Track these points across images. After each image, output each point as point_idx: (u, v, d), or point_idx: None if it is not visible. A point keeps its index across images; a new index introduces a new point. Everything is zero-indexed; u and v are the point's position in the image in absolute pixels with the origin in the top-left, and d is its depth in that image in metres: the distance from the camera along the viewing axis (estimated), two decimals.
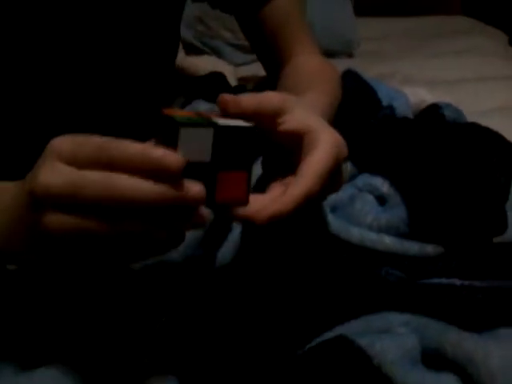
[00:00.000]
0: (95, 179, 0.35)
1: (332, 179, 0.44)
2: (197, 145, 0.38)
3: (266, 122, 0.44)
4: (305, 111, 0.46)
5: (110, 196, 0.35)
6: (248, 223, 0.41)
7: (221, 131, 0.39)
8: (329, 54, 1.48)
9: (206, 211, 0.37)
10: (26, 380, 0.45)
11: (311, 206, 0.43)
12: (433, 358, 0.42)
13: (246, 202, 0.41)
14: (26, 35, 0.60)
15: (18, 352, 0.49)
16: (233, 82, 1.07)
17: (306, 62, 0.74)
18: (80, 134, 0.38)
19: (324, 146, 0.43)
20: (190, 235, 0.54)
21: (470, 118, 0.76)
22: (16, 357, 0.48)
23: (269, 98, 0.44)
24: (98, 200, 0.35)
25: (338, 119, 0.73)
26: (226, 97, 0.42)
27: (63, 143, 0.38)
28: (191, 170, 0.37)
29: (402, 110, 0.74)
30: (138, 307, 0.51)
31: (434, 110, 0.73)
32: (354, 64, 1.11)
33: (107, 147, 0.36)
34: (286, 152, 0.46)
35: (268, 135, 0.46)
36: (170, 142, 0.38)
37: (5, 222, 0.41)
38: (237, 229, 0.55)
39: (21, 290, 0.53)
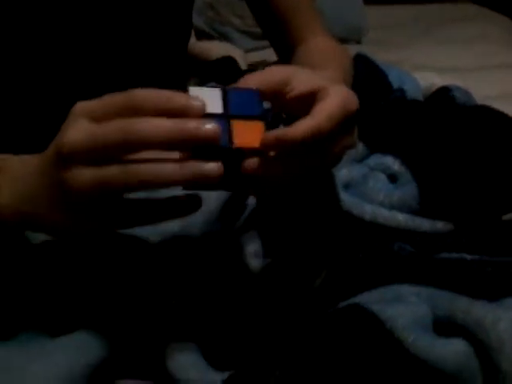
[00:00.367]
0: (115, 126, 0.37)
1: (344, 130, 0.44)
2: (207, 101, 0.40)
3: (274, 95, 0.45)
4: (310, 73, 0.46)
5: (130, 139, 0.37)
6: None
7: (228, 91, 0.42)
8: (337, 40, 1.49)
9: (215, 165, 0.39)
10: (54, 346, 0.47)
11: (325, 166, 0.44)
12: (444, 326, 0.44)
13: (261, 150, 0.42)
14: (37, 22, 0.61)
15: (44, 320, 0.50)
16: (243, 67, 1.08)
17: (319, 44, 0.75)
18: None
19: (333, 95, 0.43)
20: (208, 211, 0.56)
21: (482, 103, 0.77)
22: (42, 325, 0.50)
23: (271, 72, 0.45)
24: (119, 145, 0.37)
25: None
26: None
27: (87, 103, 0.40)
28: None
29: (412, 92, 0.75)
30: (157, 281, 0.53)
31: (444, 92, 0.74)
32: (362, 51, 1.12)
33: (132, 95, 0.38)
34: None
35: (280, 109, 0.47)
36: None
37: (31, 187, 0.43)
38: (252, 204, 0.57)
39: (43, 262, 0.55)
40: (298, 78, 0.45)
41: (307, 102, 0.45)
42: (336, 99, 0.43)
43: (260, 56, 1.35)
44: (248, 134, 0.41)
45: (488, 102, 0.88)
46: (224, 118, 0.41)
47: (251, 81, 0.44)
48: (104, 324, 0.50)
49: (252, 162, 0.41)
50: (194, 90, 0.41)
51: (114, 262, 0.54)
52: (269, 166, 0.42)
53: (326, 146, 0.44)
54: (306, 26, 0.78)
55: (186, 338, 0.50)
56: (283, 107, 0.47)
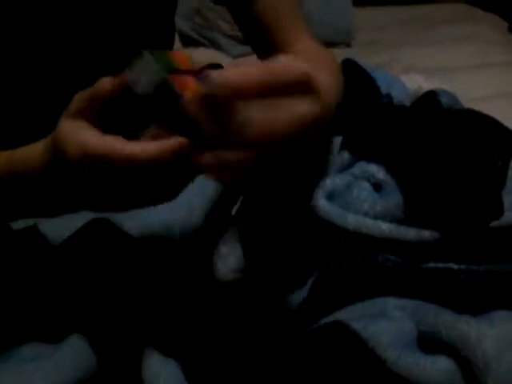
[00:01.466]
0: None
1: (305, 93, 0.41)
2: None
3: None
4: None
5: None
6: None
7: None
8: (327, 44, 1.47)
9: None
10: (32, 366, 0.47)
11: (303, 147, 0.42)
12: (429, 342, 0.42)
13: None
14: (23, 20, 0.61)
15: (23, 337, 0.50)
16: None
17: (305, 48, 0.74)
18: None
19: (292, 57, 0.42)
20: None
21: (469, 105, 0.76)
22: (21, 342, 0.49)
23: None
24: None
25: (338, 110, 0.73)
26: None
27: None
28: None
29: (399, 98, 0.74)
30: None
31: (431, 96, 0.73)
32: (352, 54, 1.11)
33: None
34: None
35: None
36: None
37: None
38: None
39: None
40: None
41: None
42: (297, 60, 0.42)
43: (249, 61, 1.34)
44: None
45: (479, 102, 0.88)
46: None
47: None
48: (81, 342, 0.49)
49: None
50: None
51: (91, 272, 0.53)
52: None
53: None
54: (290, 30, 0.77)
55: (166, 353, 0.49)
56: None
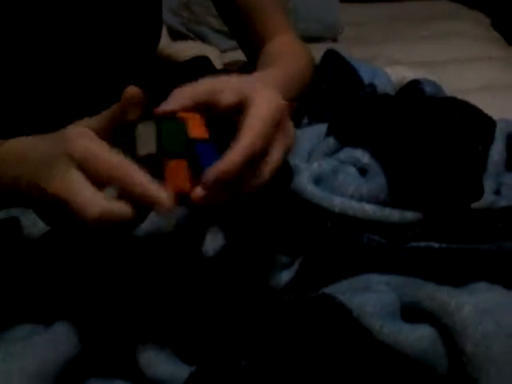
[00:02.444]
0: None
1: (277, 134, 0.45)
2: (147, 138, 0.43)
3: (206, 107, 0.46)
4: (239, 81, 0.47)
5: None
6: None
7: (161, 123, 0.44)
8: (313, 39, 1.50)
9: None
10: (23, 345, 0.48)
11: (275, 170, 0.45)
12: (411, 312, 0.44)
13: (189, 191, 0.43)
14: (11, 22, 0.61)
15: (15, 317, 0.51)
16: (218, 66, 1.08)
17: (276, 44, 0.76)
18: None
19: (258, 104, 0.45)
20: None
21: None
22: (11, 322, 0.50)
23: (199, 85, 0.47)
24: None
25: (321, 97, 0.75)
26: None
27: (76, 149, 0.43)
28: (146, 162, 0.42)
29: (383, 87, 0.76)
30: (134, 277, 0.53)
31: (414, 85, 0.74)
32: (338, 49, 1.11)
33: (116, 172, 0.42)
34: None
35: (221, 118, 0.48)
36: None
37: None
38: None
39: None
40: (228, 88, 0.46)
41: (238, 110, 0.46)
42: (263, 109, 0.44)
43: (237, 56, 1.35)
44: (177, 174, 0.43)
45: (464, 95, 0.89)
46: (157, 158, 0.43)
47: (180, 95, 0.46)
48: (74, 320, 0.50)
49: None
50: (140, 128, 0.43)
51: (84, 257, 0.54)
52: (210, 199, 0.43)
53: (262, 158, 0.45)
54: (271, 24, 0.78)
55: (156, 329, 0.50)
56: (218, 116, 0.47)
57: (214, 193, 0.43)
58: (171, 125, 0.44)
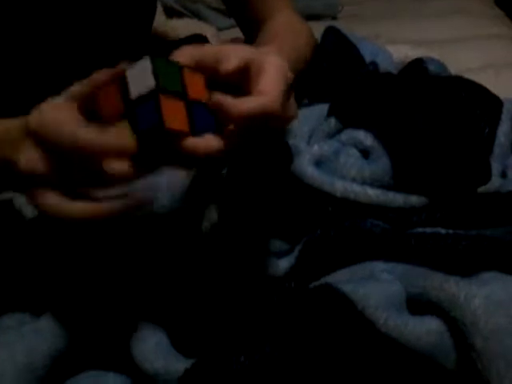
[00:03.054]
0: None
1: (285, 102, 0.44)
2: (142, 76, 0.39)
3: (207, 70, 0.44)
4: (244, 47, 0.46)
5: None
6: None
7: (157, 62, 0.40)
8: (313, 16, 1.47)
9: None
10: (14, 336, 0.46)
11: (272, 135, 0.42)
12: (418, 304, 0.42)
13: (188, 133, 0.40)
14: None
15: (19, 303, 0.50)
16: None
17: (275, 21, 0.73)
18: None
19: (273, 65, 0.43)
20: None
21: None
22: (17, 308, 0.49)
23: (205, 48, 0.45)
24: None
25: (321, 75, 0.72)
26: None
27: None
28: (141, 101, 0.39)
29: (384, 65, 0.73)
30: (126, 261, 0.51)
31: (418, 64, 0.72)
32: (338, 26, 1.09)
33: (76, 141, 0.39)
34: None
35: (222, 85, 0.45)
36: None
37: None
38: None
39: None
40: (232, 54, 0.44)
41: (242, 76, 0.44)
42: (277, 71, 0.43)
43: (233, 34, 1.32)
44: (175, 113, 0.40)
45: (467, 73, 0.87)
46: (154, 95, 0.39)
47: (186, 52, 0.43)
48: (64, 311, 0.49)
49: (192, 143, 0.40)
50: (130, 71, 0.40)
51: (75, 247, 0.52)
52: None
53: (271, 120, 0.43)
54: (270, 1, 0.75)
55: (152, 321, 0.48)
56: (218, 82, 0.45)
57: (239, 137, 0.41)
58: (167, 64, 0.41)
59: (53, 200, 0.41)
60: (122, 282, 0.51)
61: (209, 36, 0.99)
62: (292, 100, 0.46)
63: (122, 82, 0.40)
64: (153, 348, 0.46)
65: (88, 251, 0.52)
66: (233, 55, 0.43)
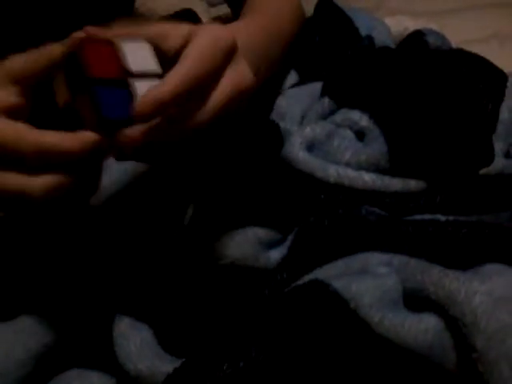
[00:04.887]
0: None
1: (225, 71, 0.41)
2: None
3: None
4: (183, 25, 0.43)
5: None
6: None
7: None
8: None
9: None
10: (5, 328, 0.45)
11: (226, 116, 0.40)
12: (416, 299, 0.39)
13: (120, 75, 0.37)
14: None
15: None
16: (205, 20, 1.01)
17: None
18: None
19: (200, 35, 0.41)
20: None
21: (461, 47, 0.71)
22: None
23: (142, 30, 0.42)
24: None
25: (313, 50, 0.68)
26: (91, 29, 0.41)
27: None
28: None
29: (381, 39, 0.69)
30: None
31: (417, 37, 0.68)
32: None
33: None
34: None
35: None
36: None
37: None
38: None
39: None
40: (175, 32, 0.42)
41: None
42: (203, 39, 0.40)
43: (227, 10, 1.28)
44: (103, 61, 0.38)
45: (471, 44, 0.83)
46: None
47: (118, 33, 0.41)
48: (42, 311, 0.47)
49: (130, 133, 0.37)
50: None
51: (53, 243, 0.50)
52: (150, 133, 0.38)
53: (207, 89, 0.40)
54: None
55: (137, 317, 0.46)
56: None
57: (154, 127, 0.38)
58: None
59: (12, 180, 0.38)
60: (107, 278, 0.49)
61: (199, 12, 0.95)
62: (242, 65, 0.43)
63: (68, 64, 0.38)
64: (137, 348, 0.44)
65: (68, 248, 0.50)
66: (173, 34, 0.41)
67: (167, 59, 0.41)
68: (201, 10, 1.05)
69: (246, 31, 0.54)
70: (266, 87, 0.62)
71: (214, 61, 0.40)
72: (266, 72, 0.57)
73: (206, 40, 0.40)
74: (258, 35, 0.56)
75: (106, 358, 0.46)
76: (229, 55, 0.41)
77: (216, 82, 0.40)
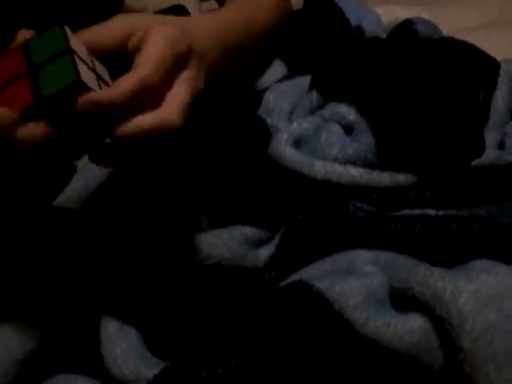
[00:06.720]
0: None
1: (179, 73, 0.41)
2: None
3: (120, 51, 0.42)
4: (126, 17, 0.44)
5: None
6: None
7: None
8: None
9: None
10: None
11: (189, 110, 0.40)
12: (402, 298, 0.38)
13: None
14: None
15: None
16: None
17: None
18: None
19: (154, 37, 0.41)
20: None
21: (457, 36, 0.70)
22: None
23: (110, 29, 0.43)
24: None
25: (302, 41, 0.67)
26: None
27: None
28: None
29: (371, 30, 0.68)
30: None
31: (407, 26, 0.66)
32: None
33: None
34: None
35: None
36: None
37: None
38: None
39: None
40: (115, 27, 0.42)
41: (124, 48, 0.42)
42: (159, 43, 0.40)
43: (215, 4, 1.26)
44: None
45: (468, 32, 0.82)
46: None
47: (90, 40, 0.42)
48: (41, 309, 0.47)
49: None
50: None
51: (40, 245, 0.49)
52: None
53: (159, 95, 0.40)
54: None
55: (124, 320, 0.46)
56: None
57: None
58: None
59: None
60: (95, 280, 0.48)
61: (189, 7, 0.94)
62: (195, 68, 0.43)
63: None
64: (123, 352, 0.43)
65: (55, 250, 0.49)
66: (115, 26, 0.42)
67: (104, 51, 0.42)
68: (191, 4, 1.03)
69: (206, 25, 0.53)
70: (252, 80, 0.62)
71: (167, 67, 0.40)
72: (237, 61, 0.56)
73: (161, 45, 0.40)
74: (225, 27, 0.55)
75: (93, 362, 0.46)
76: (183, 60, 0.41)
77: (169, 86, 0.40)
